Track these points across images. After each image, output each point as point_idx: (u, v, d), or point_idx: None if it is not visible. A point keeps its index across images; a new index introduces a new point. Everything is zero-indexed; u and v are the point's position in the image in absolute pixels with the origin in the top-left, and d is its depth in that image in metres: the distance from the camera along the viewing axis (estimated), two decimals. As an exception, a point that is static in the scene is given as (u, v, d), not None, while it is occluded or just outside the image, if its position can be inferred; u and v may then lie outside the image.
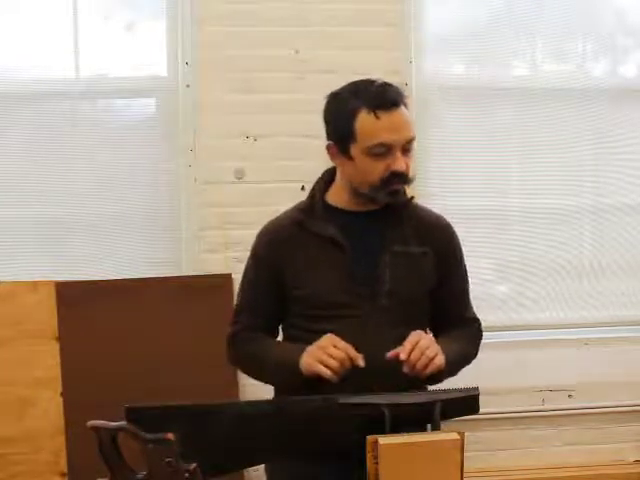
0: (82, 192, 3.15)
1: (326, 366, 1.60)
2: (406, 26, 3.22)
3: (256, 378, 1.88)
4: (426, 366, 1.62)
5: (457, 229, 1.92)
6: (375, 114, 1.68)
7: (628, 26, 3.44)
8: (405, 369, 1.62)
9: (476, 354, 1.89)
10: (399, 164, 1.69)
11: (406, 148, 1.72)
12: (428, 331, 1.89)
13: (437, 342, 1.72)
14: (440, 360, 1.64)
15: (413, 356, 1.62)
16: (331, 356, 1.61)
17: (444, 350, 1.68)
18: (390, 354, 1.64)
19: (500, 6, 3.35)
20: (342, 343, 1.63)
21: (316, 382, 1.63)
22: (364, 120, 1.69)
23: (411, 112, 2.97)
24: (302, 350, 1.67)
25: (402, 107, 1.71)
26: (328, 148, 1.80)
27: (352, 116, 1.71)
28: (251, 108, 3.15)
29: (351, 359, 1.61)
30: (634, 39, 3.46)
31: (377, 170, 1.71)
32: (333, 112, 1.77)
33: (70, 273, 3.10)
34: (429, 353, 1.62)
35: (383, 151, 1.69)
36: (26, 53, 3.09)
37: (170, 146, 3.18)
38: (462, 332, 1.87)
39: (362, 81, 1.76)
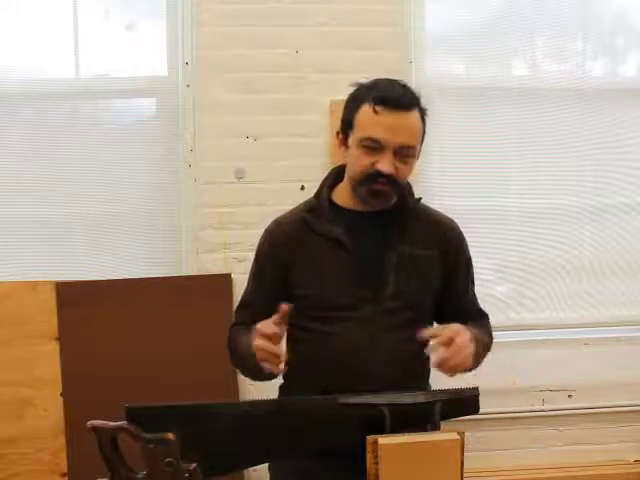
0: (82, 192, 3.15)
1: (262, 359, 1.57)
2: (406, 26, 3.22)
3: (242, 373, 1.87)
4: (456, 366, 1.60)
5: (457, 229, 1.93)
6: (374, 108, 1.68)
7: (628, 26, 3.44)
8: (433, 360, 1.60)
9: (492, 343, 1.88)
10: (384, 164, 1.67)
11: (402, 153, 1.69)
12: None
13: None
14: (466, 364, 1.62)
15: (448, 353, 1.59)
16: (262, 350, 1.57)
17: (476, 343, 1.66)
18: (422, 334, 1.61)
19: (500, 6, 3.35)
20: (262, 328, 1.58)
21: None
22: (364, 112, 1.70)
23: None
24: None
25: (409, 112, 1.69)
26: (337, 134, 1.80)
27: (357, 106, 1.72)
28: (251, 108, 3.15)
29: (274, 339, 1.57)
30: (634, 39, 3.46)
31: (363, 163, 1.70)
32: (347, 100, 1.77)
33: (70, 273, 3.10)
34: (465, 352, 1.60)
35: (374, 146, 1.68)
36: (26, 53, 3.09)
37: (170, 146, 3.18)
38: (479, 325, 1.85)
39: (385, 78, 1.76)
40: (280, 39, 3.15)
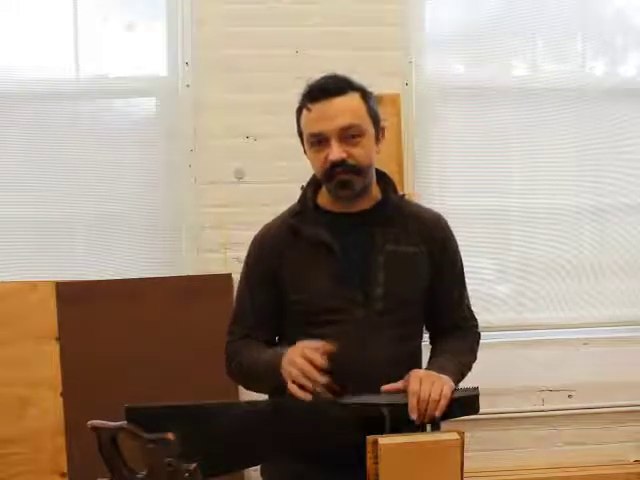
0: (82, 192, 3.15)
1: (297, 384, 1.54)
2: (406, 26, 3.22)
3: (250, 388, 1.83)
4: (435, 409, 1.54)
5: (457, 229, 1.91)
6: (307, 107, 1.70)
7: (628, 26, 3.44)
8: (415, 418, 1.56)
9: (475, 359, 1.87)
10: (333, 153, 1.67)
11: (349, 135, 1.68)
12: (423, 331, 1.88)
13: (439, 360, 1.71)
14: (446, 390, 1.56)
15: (422, 409, 1.54)
16: (301, 370, 1.54)
17: (448, 371, 1.65)
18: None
19: (500, 6, 3.35)
20: (308, 352, 1.56)
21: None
22: (303, 116, 1.73)
23: (409, 109, 2.96)
24: (279, 355, 1.62)
25: (338, 96, 1.68)
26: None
27: (299, 114, 1.75)
28: (251, 108, 3.15)
29: (317, 367, 1.54)
30: (634, 39, 3.46)
31: (319, 162, 1.71)
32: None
33: (70, 273, 3.10)
34: (434, 397, 1.54)
35: (319, 141, 1.69)
36: (26, 53, 3.09)
37: (170, 146, 3.18)
38: (461, 341, 1.85)
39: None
40: (280, 39, 3.15)
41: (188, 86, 3.15)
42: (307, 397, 1.53)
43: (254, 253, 1.84)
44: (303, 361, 1.55)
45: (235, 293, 1.90)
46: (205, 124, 3.15)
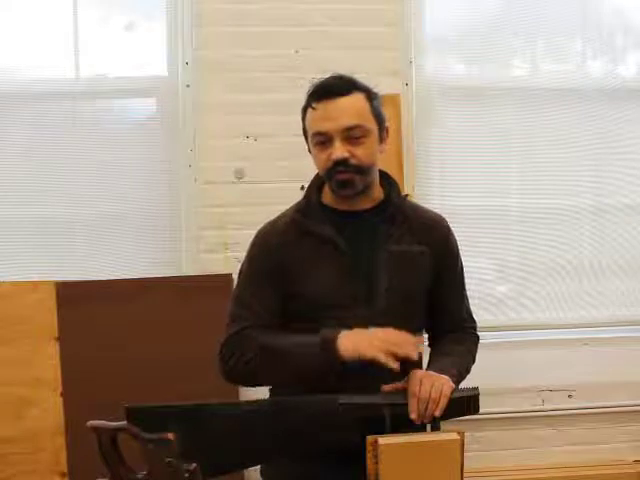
0: (82, 192, 3.15)
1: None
2: (406, 26, 3.23)
3: (257, 379, 1.78)
4: (435, 409, 1.57)
5: (457, 229, 1.91)
6: (312, 106, 1.72)
7: (628, 26, 3.44)
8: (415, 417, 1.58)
9: (474, 362, 1.87)
10: (336, 152, 1.69)
11: (353, 136, 1.70)
12: (423, 331, 1.88)
13: (439, 361, 1.72)
14: (446, 389, 1.58)
15: (421, 408, 1.57)
16: (390, 341, 1.59)
17: (447, 372, 1.65)
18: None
19: (500, 6, 3.36)
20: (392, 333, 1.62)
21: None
22: (308, 114, 1.75)
23: (409, 109, 2.96)
24: (333, 332, 1.63)
25: (343, 96, 1.70)
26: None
27: (304, 113, 1.76)
28: (251, 108, 3.15)
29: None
30: (634, 39, 3.46)
31: (322, 160, 1.73)
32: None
33: (70, 273, 3.10)
34: (434, 396, 1.57)
35: (323, 140, 1.71)
36: (26, 53, 3.09)
37: (170, 146, 3.18)
38: (460, 343, 1.85)
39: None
40: (280, 39, 3.16)
41: (188, 86, 3.15)
42: (396, 365, 1.56)
43: (259, 249, 1.82)
44: (388, 335, 1.60)
45: (233, 291, 1.86)
46: (205, 124, 3.15)
